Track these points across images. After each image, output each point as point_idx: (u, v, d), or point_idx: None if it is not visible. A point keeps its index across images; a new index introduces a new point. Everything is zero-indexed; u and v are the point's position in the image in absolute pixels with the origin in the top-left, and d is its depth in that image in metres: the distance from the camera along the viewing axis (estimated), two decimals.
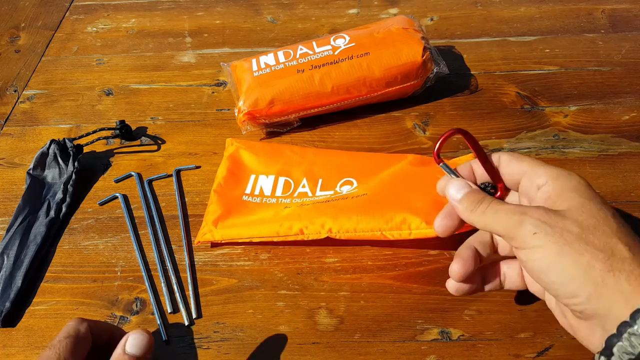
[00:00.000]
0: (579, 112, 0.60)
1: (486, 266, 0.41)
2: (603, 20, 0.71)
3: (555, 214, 0.32)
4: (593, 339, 0.32)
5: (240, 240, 0.50)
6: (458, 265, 0.39)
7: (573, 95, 0.62)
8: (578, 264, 0.30)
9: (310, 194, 0.52)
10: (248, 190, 0.53)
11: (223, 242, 0.50)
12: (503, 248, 0.41)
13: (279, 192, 0.53)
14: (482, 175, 0.40)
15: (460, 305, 0.46)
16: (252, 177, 0.54)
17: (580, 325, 0.34)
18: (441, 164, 0.40)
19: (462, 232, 0.42)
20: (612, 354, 0.30)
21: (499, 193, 0.40)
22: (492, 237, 0.41)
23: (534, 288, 0.40)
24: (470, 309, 0.45)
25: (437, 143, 0.39)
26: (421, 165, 0.52)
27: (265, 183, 0.54)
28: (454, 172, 0.40)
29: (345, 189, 0.51)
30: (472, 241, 0.41)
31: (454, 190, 0.38)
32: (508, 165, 0.38)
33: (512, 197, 0.40)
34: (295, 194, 0.52)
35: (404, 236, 0.46)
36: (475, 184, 0.40)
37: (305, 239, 0.48)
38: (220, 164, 0.56)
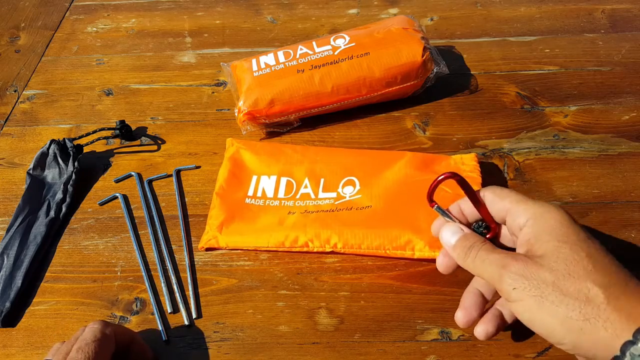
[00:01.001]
0: (579, 112, 0.60)
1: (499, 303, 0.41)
2: (603, 20, 0.71)
3: (533, 263, 0.33)
4: None
5: (245, 248, 0.50)
6: (462, 314, 0.40)
7: (573, 95, 0.62)
8: (556, 317, 0.31)
9: (313, 196, 0.52)
10: (250, 192, 0.53)
11: (227, 248, 0.50)
12: None
13: (281, 194, 0.53)
14: (471, 213, 0.41)
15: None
16: (254, 178, 0.54)
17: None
18: (435, 207, 0.40)
19: None
20: None
21: (490, 233, 0.40)
22: None
23: None
24: None
25: (430, 188, 0.39)
26: (422, 168, 0.52)
27: (267, 184, 0.53)
28: (447, 214, 0.41)
29: (348, 192, 0.51)
30: (475, 283, 0.41)
31: (447, 235, 0.39)
32: (492, 203, 0.39)
33: (505, 231, 0.41)
34: (298, 196, 0.52)
35: (407, 256, 0.47)
36: (469, 224, 0.41)
37: (311, 251, 0.49)
38: (222, 165, 0.56)
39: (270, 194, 0.53)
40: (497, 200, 0.38)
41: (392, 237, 0.47)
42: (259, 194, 0.53)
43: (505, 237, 0.41)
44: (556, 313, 0.31)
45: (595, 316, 0.30)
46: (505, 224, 0.39)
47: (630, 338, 0.29)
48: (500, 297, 0.39)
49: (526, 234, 0.36)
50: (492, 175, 0.54)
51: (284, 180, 0.54)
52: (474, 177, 0.51)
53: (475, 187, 0.48)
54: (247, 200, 0.53)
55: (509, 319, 0.40)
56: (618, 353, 0.29)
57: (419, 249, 0.47)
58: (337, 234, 0.48)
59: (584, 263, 0.32)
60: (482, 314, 0.40)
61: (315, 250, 0.49)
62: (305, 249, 0.49)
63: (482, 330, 0.39)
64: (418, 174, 0.52)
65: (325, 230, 0.48)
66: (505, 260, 0.34)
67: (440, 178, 0.39)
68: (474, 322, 0.40)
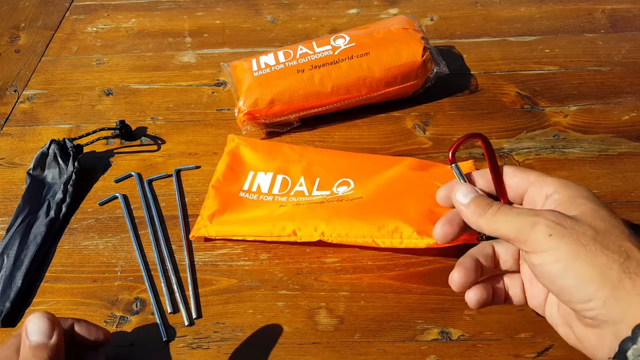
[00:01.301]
0: (579, 112, 0.60)
1: (492, 279, 0.40)
2: (603, 20, 0.71)
3: (569, 217, 0.32)
4: (601, 347, 0.31)
5: (234, 238, 0.50)
6: (459, 274, 0.37)
7: (573, 95, 0.62)
8: (595, 266, 0.29)
9: (307, 193, 0.52)
10: (246, 187, 0.53)
11: (217, 238, 0.50)
12: (505, 262, 0.40)
13: (275, 190, 0.53)
14: (483, 186, 0.39)
15: (460, 305, 0.46)
16: (251, 173, 0.54)
17: (587, 334, 0.33)
18: (453, 164, 0.39)
19: (458, 245, 0.42)
20: (625, 359, 0.29)
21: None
22: (494, 251, 0.40)
23: (534, 302, 0.39)
24: (470, 309, 0.45)
25: (454, 145, 0.38)
26: (419, 170, 0.52)
27: (263, 180, 0.54)
28: (464, 177, 0.39)
29: (342, 190, 0.51)
30: (473, 252, 0.39)
31: (461, 194, 0.37)
32: (513, 176, 0.37)
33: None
34: (292, 192, 0.52)
35: (395, 244, 0.46)
36: None
37: (298, 241, 0.48)
38: (220, 159, 0.56)
39: (265, 189, 0.53)
40: (517, 173, 0.37)
41: (380, 224, 0.46)
42: (254, 189, 0.53)
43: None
44: (595, 262, 0.29)
45: (636, 272, 0.29)
46: (518, 203, 0.38)
47: None
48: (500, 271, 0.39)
49: (556, 199, 0.34)
50: None
51: (279, 177, 0.54)
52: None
53: None
54: (242, 194, 0.53)
55: (511, 290, 0.38)
56: None
57: (407, 236, 0.45)
58: (324, 222, 0.48)
59: (622, 227, 0.31)
60: (475, 280, 0.38)
61: (302, 239, 0.48)
62: (292, 238, 0.48)
63: (474, 295, 0.37)
64: (412, 172, 0.51)
65: (314, 219, 0.48)
66: (536, 212, 0.33)
67: (464, 136, 0.37)
68: (469, 286, 0.38)
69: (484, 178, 0.39)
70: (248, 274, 0.49)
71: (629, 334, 0.29)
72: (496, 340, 0.44)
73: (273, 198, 0.52)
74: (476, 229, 0.37)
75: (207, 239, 0.51)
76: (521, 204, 0.38)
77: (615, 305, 0.29)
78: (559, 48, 0.68)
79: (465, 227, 0.38)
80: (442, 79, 0.61)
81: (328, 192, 0.51)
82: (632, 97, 0.61)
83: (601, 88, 0.63)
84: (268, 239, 0.49)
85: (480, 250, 0.40)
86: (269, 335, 0.45)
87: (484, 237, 0.40)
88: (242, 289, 0.48)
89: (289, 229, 0.48)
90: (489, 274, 0.40)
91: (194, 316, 0.46)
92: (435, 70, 0.59)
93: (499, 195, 0.38)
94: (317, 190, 0.52)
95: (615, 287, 0.29)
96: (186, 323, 0.46)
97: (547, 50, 0.68)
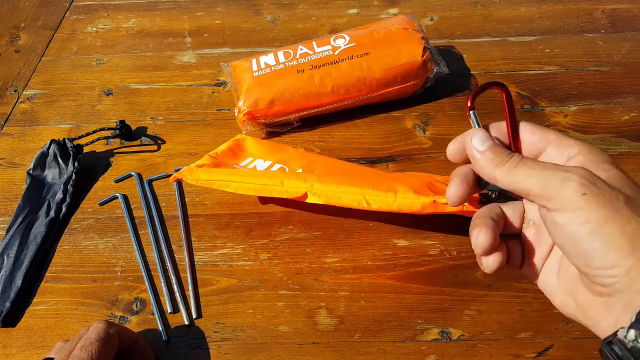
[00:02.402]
0: (579, 112, 0.60)
1: (505, 241, 0.36)
2: (603, 20, 0.71)
3: (601, 179, 0.29)
4: (607, 317, 0.30)
5: (213, 187, 0.49)
6: (486, 236, 0.32)
7: (573, 95, 0.62)
8: (625, 233, 0.28)
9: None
10: (242, 165, 0.53)
11: (197, 184, 0.49)
12: (510, 225, 0.36)
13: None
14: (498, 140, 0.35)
15: (460, 305, 0.46)
16: (250, 159, 0.55)
17: (595, 303, 0.31)
18: (472, 112, 0.35)
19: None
20: None
21: None
22: (502, 211, 0.36)
23: (529, 269, 0.36)
24: (470, 309, 0.45)
25: (474, 92, 0.35)
26: (421, 193, 0.47)
27: (260, 164, 0.53)
28: (481, 126, 0.36)
29: None
30: (485, 212, 0.35)
31: (478, 140, 0.33)
32: (531, 134, 0.34)
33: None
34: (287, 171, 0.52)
35: (388, 203, 0.43)
36: None
37: (284, 196, 0.46)
38: (224, 143, 0.56)
39: (260, 169, 0.53)
40: (536, 131, 0.34)
41: (374, 184, 0.45)
42: (250, 167, 0.53)
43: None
44: (626, 229, 0.28)
45: None
46: (537, 156, 0.34)
47: None
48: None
49: (580, 161, 0.31)
50: None
51: (277, 165, 0.53)
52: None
53: (475, 195, 0.46)
54: (236, 166, 0.53)
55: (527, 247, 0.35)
56: None
57: (402, 193, 0.43)
58: (316, 178, 0.46)
59: None
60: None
61: (289, 190, 0.46)
62: (279, 188, 0.46)
63: (496, 260, 0.33)
64: (414, 177, 0.50)
65: (304, 176, 0.47)
66: (567, 168, 0.30)
67: (485, 84, 0.35)
68: (494, 249, 0.33)
69: (500, 132, 0.36)
70: (248, 274, 0.49)
71: None
72: (496, 340, 0.44)
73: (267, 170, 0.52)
74: (489, 180, 0.33)
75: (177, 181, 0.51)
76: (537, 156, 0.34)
77: (638, 274, 0.28)
78: (559, 48, 0.68)
79: (475, 186, 0.34)
80: (442, 79, 0.61)
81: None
82: (632, 97, 0.61)
83: (601, 88, 0.63)
84: (251, 192, 0.47)
85: (490, 211, 0.35)
86: (269, 335, 0.45)
87: (486, 199, 0.37)
88: (242, 289, 0.48)
89: (276, 179, 0.47)
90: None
91: (194, 316, 0.46)
92: (435, 70, 0.59)
93: (515, 151, 0.35)
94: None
95: None
96: (186, 323, 0.46)
97: (547, 50, 0.68)
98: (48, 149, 0.57)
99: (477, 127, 0.35)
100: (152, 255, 0.51)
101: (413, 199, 0.43)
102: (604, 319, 0.30)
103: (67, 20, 0.78)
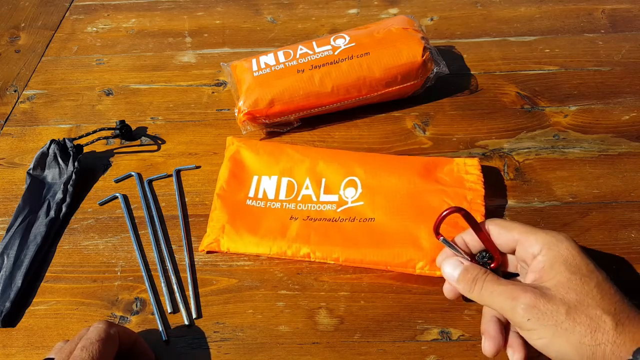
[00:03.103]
0: (579, 112, 0.60)
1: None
2: (603, 20, 0.71)
3: (543, 295, 0.35)
4: None
5: (246, 254, 0.50)
6: (490, 344, 0.39)
7: (573, 95, 0.62)
8: (570, 343, 0.34)
9: (314, 198, 0.52)
10: (251, 194, 0.53)
11: (229, 252, 0.50)
12: None
13: (282, 196, 0.52)
14: (475, 245, 0.42)
15: (460, 305, 0.46)
16: (255, 178, 0.54)
17: None
18: (441, 239, 0.42)
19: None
20: None
21: (494, 263, 0.42)
22: None
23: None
24: (470, 309, 0.45)
25: (436, 222, 0.41)
26: (425, 175, 0.52)
27: (268, 185, 0.53)
28: (453, 246, 0.42)
29: (350, 195, 0.51)
30: (490, 311, 0.41)
31: (449, 270, 0.41)
32: (498, 236, 0.41)
33: (511, 259, 0.42)
34: (299, 198, 0.52)
35: (408, 272, 0.47)
36: (472, 255, 0.42)
37: (312, 261, 0.49)
38: (222, 165, 0.56)
39: (271, 195, 0.53)
40: (503, 232, 0.40)
41: (394, 254, 0.47)
42: (260, 195, 0.53)
43: (511, 265, 0.42)
44: (570, 340, 0.34)
45: (605, 341, 0.33)
46: (512, 254, 0.41)
47: (630, 357, 0.32)
48: None
49: (540, 262, 0.38)
50: (492, 176, 0.54)
51: (284, 180, 0.53)
52: (477, 190, 0.51)
53: (479, 200, 0.50)
54: (249, 202, 0.52)
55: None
56: None
57: (419, 267, 0.47)
58: (339, 249, 0.48)
59: (593, 293, 0.35)
60: (505, 340, 0.40)
61: (317, 260, 0.49)
62: (307, 259, 0.49)
63: (519, 355, 0.39)
64: (421, 182, 0.51)
65: (328, 245, 0.48)
66: (514, 292, 0.36)
67: (445, 213, 0.40)
68: (501, 349, 0.40)
69: (474, 238, 0.42)
70: (248, 274, 0.49)
71: None
72: None
73: (281, 205, 0.52)
74: (472, 299, 0.40)
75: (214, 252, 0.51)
76: (514, 254, 0.41)
77: None
78: (559, 48, 0.68)
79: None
80: (442, 79, 0.61)
81: (336, 198, 0.51)
82: (632, 97, 0.61)
83: (601, 88, 0.63)
84: (282, 258, 0.49)
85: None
86: (269, 335, 0.45)
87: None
88: (242, 289, 0.48)
89: (304, 251, 0.49)
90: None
91: (194, 316, 0.46)
92: (435, 70, 0.59)
93: (492, 253, 0.41)
94: (324, 194, 0.52)
95: (590, 358, 0.34)
96: (186, 323, 0.46)
97: (547, 50, 0.68)
98: (48, 149, 0.57)
99: (451, 250, 0.42)
100: (152, 255, 0.51)
101: (430, 272, 0.47)
102: None
103: (67, 20, 0.78)
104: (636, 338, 0.33)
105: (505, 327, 0.40)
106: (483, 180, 0.51)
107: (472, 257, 0.42)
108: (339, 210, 0.51)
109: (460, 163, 0.53)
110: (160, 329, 0.46)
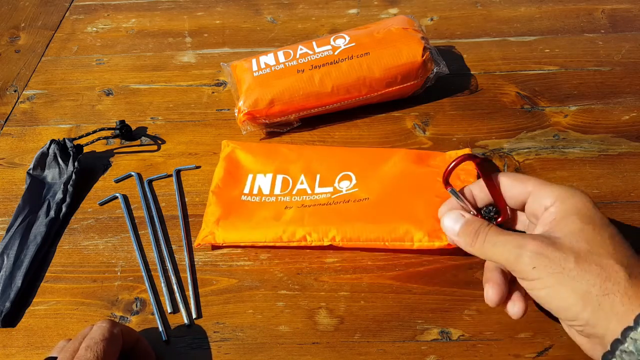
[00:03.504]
0: (579, 112, 0.60)
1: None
2: (603, 20, 0.71)
3: (552, 243, 0.34)
4: (595, 352, 0.35)
5: (242, 245, 0.50)
6: (493, 291, 0.38)
7: (573, 95, 0.62)
8: (576, 292, 0.32)
9: (309, 191, 0.52)
10: (247, 190, 0.53)
11: (225, 245, 0.50)
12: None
13: (277, 190, 0.53)
14: (483, 198, 0.41)
15: (460, 305, 0.46)
16: (250, 176, 0.54)
17: (583, 340, 0.36)
18: (450, 189, 0.41)
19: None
20: None
21: (501, 218, 0.41)
22: None
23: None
24: (470, 309, 0.45)
25: (446, 171, 0.39)
26: (419, 163, 0.52)
27: (263, 182, 0.53)
28: (460, 197, 0.41)
29: (345, 186, 0.51)
30: (492, 263, 0.40)
31: (450, 223, 0.40)
32: (511, 188, 0.39)
33: (521, 217, 0.41)
34: (294, 192, 0.52)
35: (406, 247, 0.47)
36: (477, 208, 0.41)
37: (309, 245, 0.49)
38: (217, 165, 0.56)
39: (266, 190, 0.53)
40: (516, 184, 0.39)
41: (390, 229, 0.47)
42: (255, 191, 0.53)
43: (521, 222, 0.41)
44: (576, 288, 0.32)
45: (614, 291, 0.31)
46: (522, 210, 0.39)
47: None
48: None
49: (552, 213, 0.36)
50: (492, 176, 0.54)
51: (280, 177, 0.54)
52: (469, 170, 0.50)
53: (471, 179, 0.50)
54: (244, 197, 0.53)
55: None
56: (632, 324, 0.30)
57: (417, 239, 0.46)
58: (335, 228, 0.48)
59: (606, 244, 0.33)
60: (508, 291, 0.39)
61: (313, 244, 0.48)
62: (303, 243, 0.48)
63: (520, 308, 0.38)
64: (414, 167, 0.52)
65: (323, 225, 0.48)
66: (520, 241, 0.35)
67: (456, 160, 0.39)
68: (505, 300, 0.39)
69: (483, 191, 0.40)
70: (248, 274, 0.49)
71: (609, 347, 0.32)
72: (496, 340, 0.44)
73: (276, 199, 0.52)
74: (473, 253, 0.39)
75: (214, 247, 0.51)
76: (523, 211, 0.39)
77: (597, 324, 0.32)
78: (559, 48, 0.68)
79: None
80: (442, 79, 0.61)
81: (331, 189, 0.52)
82: (632, 97, 0.61)
83: (601, 88, 0.63)
84: (278, 244, 0.49)
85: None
86: (269, 335, 0.45)
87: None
88: (242, 289, 0.48)
89: (299, 234, 0.48)
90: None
91: (194, 316, 0.46)
92: (435, 70, 0.59)
93: (499, 208, 0.40)
94: (319, 187, 0.52)
95: (595, 309, 0.32)
96: (186, 323, 0.46)
97: (547, 50, 0.68)
98: (48, 149, 0.57)
99: (458, 200, 0.41)
100: (152, 255, 0.51)
101: (429, 243, 0.46)
102: (594, 355, 0.35)
103: (67, 20, 0.78)
104: None
105: (509, 277, 0.39)
106: (477, 173, 0.51)
107: (478, 210, 0.41)
108: (333, 197, 0.51)
109: (453, 155, 0.54)
110: (160, 329, 0.46)
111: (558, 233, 0.35)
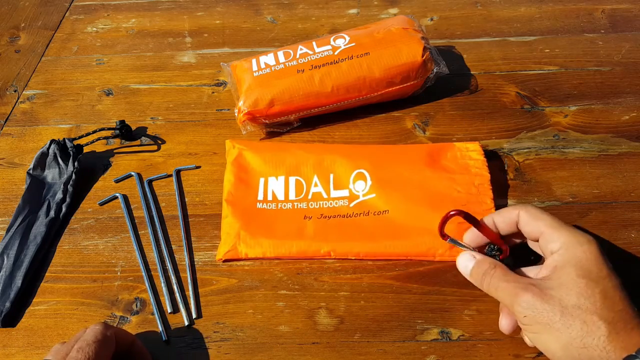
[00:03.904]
0: (579, 112, 0.60)
1: None
2: (603, 20, 0.71)
3: (543, 295, 0.37)
4: None
5: (266, 257, 0.49)
6: (506, 322, 0.42)
7: (573, 95, 0.62)
8: (559, 342, 0.36)
9: (325, 195, 0.52)
10: (260, 197, 0.53)
11: (249, 258, 0.49)
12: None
13: (292, 196, 0.52)
14: (484, 239, 0.44)
15: (460, 305, 0.46)
16: (262, 180, 0.54)
17: None
18: (448, 239, 0.43)
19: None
20: None
21: (502, 255, 0.43)
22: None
23: None
24: (470, 309, 0.45)
25: (440, 225, 0.42)
26: (431, 164, 0.53)
27: (276, 186, 0.53)
28: (460, 244, 0.43)
29: (360, 188, 0.52)
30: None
31: (463, 264, 0.43)
32: (526, 225, 0.42)
33: (535, 245, 0.44)
34: (310, 196, 0.52)
35: (428, 259, 0.48)
36: (482, 247, 0.44)
37: (333, 258, 0.49)
38: (226, 170, 0.55)
39: (280, 196, 0.53)
40: (531, 222, 0.41)
41: (413, 244, 0.48)
42: (270, 197, 0.53)
43: (533, 245, 0.44)
44: (559, 338, 0.36)
45: (593, 346, 0.34)
46: (536, 240, 0.42)
47: None
48: None
49: (554, 260, 0.39)
50: (492, 176, 0.54)
51: (292, 180, 0.53)
52: (483, 175, 0.52)
53: (486, 185, 0.52)
54: (259, 205, 0.52)
55: None
56: None
57: (439, 255, 0.48)
58: (359, 244, 0.49)
59: (595, 298, 0.36)
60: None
61: (338, 257, 0.49)
62: (327, 257, 0.49)
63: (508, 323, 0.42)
64: (429, 172, 0.52)
65: (347, 242, 0.49)
66: (515, 290, 0.38)
67: (448, 215, 0.41)
68: (515, 328, 0.41)
69: (489, 223, 0.43)
70: (248, 274, 0.49)
71: None
72: (496, 340, 0.44)
73: (292, 205, 0.52)
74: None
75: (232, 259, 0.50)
76: (537, 241, 0.42)
77: None
78: (559, 48, 0.68)
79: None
80: (442, 79, 0.61)
81: (347, 193, 0.52)
82: (632, 97, 0.61)
83: (601, 88, 0.63)
84: (302, 257, 0.49)
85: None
86: (269, 335, 0.45)
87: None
88: (242, 289, 0.48)
89: (324, 250, 0.49)
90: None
91: (194, 316, 0.46)
92: (435, 70, 0.59)
93: (499, 246, 0.43)
94: (334, 189, 0.52)
95: (575, 359, 0.35)
96: (186, 323, 0.46)
97: (547, 50, 0.68)
98: (48, 149, 0.57)
99: (457, 245, 0.43)
100: (152, 255, 0.51)
101: (451, 258, 0.48)
102: None
103: (67, 20, 0.78)
104: (628, 345, 0.34)
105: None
106: (487, 164, 0.53)
107: (482, 249, 0.43)
108: (351, 205, 0.51)
109: (463, 148, 0.54)
110: (160, 329, 0.46)
111: (554, 282, 0.37)
